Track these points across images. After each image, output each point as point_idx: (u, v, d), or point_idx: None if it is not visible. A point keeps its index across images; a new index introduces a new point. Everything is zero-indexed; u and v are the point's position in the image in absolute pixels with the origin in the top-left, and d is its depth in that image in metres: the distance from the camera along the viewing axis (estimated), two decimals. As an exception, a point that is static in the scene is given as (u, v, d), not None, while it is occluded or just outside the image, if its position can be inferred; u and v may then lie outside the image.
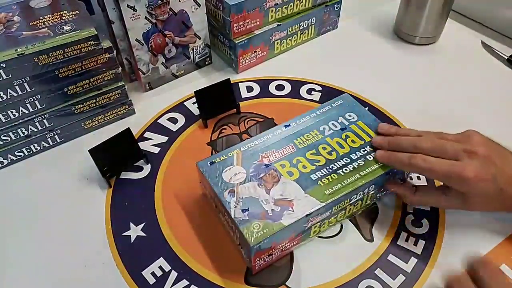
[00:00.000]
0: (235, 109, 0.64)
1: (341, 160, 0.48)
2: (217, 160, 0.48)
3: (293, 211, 0.43)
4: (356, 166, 0.47)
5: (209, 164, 0.47)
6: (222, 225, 0.49)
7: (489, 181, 0.42)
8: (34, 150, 0.58)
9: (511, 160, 0.44)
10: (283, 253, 0.46)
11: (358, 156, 0.48)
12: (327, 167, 0.47)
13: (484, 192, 0.43)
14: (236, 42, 0.67)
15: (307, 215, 0.43)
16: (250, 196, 0.44)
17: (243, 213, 0.43)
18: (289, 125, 0.52)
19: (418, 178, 0.54)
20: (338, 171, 0.46)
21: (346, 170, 0.47)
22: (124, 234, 0.49)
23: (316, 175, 0.46)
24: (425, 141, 0.46)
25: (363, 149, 0.49)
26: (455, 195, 0.45)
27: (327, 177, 0.46)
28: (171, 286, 0.45)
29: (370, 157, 0.48)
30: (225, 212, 0.44)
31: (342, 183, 0.45)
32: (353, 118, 0.53)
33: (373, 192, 0.48)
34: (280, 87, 0.69)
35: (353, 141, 0.50)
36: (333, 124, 0.52)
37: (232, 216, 0.42)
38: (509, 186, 0.43)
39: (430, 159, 0.44)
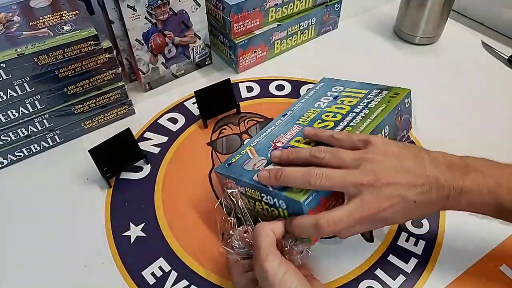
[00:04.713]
0: (235, 109, 0.63)
1: (348, 116, 0.49)
2: (233, 160, 0.48)
3: None
4: (363, 115, 0.48)
5: (227, 166, 0.47)
6: (257, 214, 0.46)
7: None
8: (34, 150, 0.58)
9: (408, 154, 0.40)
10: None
11: (361, 108, 0.50)
12: (339, 125, 0.48)
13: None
14: (236, 42, 0.67)
15: None
16: None
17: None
18: (286, 114, 0.53)
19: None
20: (350, 124, 0.48)
21: (356, 120, 0.48)
22: (124, 234, 0.49)
23: None
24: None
25: (362, 102, 0.51)
26: None
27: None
28: (171, 287, 0.45)
29: (371, 105, 0.50)
30: (262, 193, 0.42)
31: (358, 130, 0.46)
32: (340, 89, 0.56)
33: (387, 135, 0.49)
34: (280, 87, 0.69)
35: (349, 101, 0.52)
36: (325, 98, 0.55)
37: (270, 189, 0.41)
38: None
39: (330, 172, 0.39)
